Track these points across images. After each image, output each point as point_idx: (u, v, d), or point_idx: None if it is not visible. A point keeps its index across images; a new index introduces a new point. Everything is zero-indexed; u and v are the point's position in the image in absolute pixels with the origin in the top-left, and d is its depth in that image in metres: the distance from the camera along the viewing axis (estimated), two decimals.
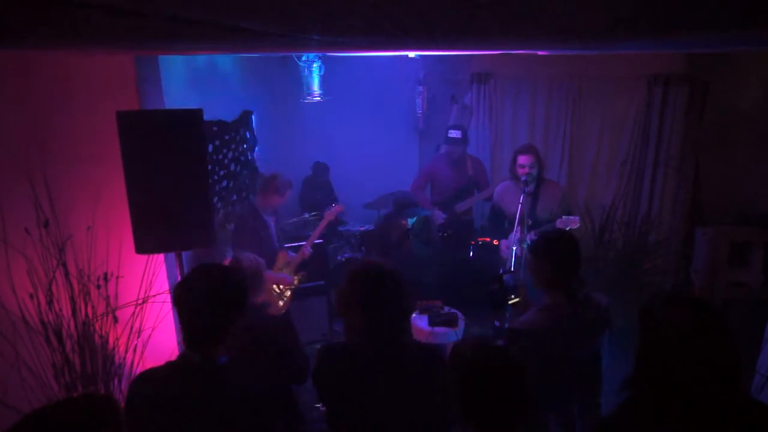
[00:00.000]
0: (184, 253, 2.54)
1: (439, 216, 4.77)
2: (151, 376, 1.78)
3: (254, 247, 3.50)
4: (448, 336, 3.65)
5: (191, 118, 2.38)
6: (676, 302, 1.42)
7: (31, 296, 2.51)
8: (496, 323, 3.58)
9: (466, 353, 1.50)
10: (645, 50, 3.45)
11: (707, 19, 1.36)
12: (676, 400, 1.34)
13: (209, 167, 3.78)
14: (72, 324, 2.65)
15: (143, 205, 2.34)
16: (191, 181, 2.38)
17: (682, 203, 5.10)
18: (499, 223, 3.99)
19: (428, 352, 1.91)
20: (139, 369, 2.86)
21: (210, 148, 4.25)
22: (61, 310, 2.60)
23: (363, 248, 5.14)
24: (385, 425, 1.83)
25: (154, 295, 2.81)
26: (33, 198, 2.50)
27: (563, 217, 3.59)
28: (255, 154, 4.90)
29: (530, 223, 3.66)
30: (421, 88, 5.83)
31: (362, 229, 5.34)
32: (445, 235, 4.79)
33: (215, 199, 4.35)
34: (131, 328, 2.81)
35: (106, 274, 2.73)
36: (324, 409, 1.98)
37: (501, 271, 2.57)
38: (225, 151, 4.56)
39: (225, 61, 4.83)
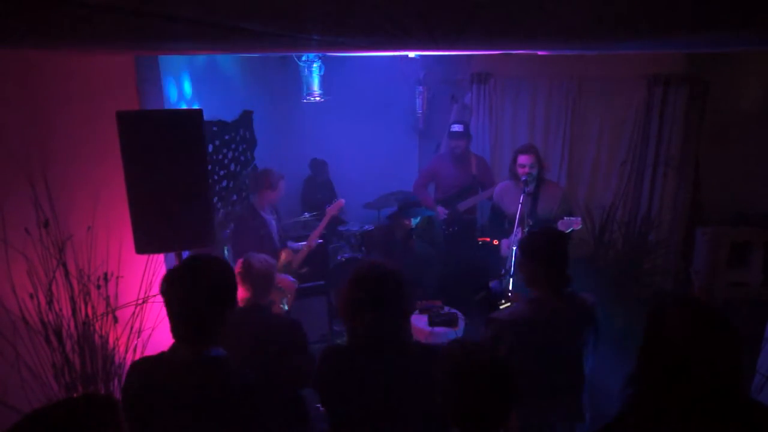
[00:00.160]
0: (184, 253, 2.54)
1: (441, 212, 4.77)
2: (141, 366, 1.79)
3: (254, 247, 3.50)
4: (448, 336, 3.64)
5: (191, 118, 2.38)
6: (681, 304, 1.42)
7: (31, 296, 2.51)
8: None
9: (454, 354, 1.51)
10: (645, 50, 3.45)
11: (707, 19, 1.36)
12: (679, 401, 1.34)
13: (209, 167, 3.78)
14: (72, 324, 2.65)
15: (143, 205, 2.33)
16: (191, 181, 2.38)
17: (682, 203, 5.11)
18: (500, 223, 3.99)
19: (428, 352, 1.91)
20: None
21: (210, 148, 4.26)
22: (61, 310, 2.60)
23: (363, 248, 5.14)
24: (385, 426, 1.83)
25: (154, 295, 2.81)
26: (33, 198, 2.50)
27: (565, 218, 3.58)
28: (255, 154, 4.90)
29: (530, 223, 3.66)
30: (421, 88, 5.84)
31: (362, 229, 5.33)
32: (449, 231, 4.79)
33: (215, 199, 4.35)
34: (131, 328, 2.81)
35: (106, 274, 2.73)
36: (323, 409, 1.98)
37: (492, 280, 2.60)
38: (225, 151, 4.56)
39: (225, 61, 4.83)
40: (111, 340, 2.77)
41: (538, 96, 5.33)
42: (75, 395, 2.61)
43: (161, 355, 1.76)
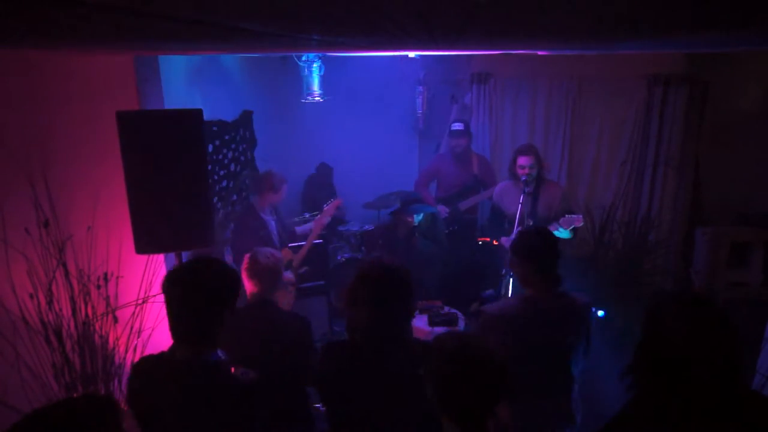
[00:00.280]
0: (184, 253, 2.54)
1: (442, 211, 4.78)
2: (143, 365, 1.79)
3: (253, 247, 3.51)
4: None
5: (191, 118, 2.38)
6: (679, 301, 1.42)
7: (31, 296, 2.51)
8: None
9: (446, 344, 1.52)
10: (645, 50, 3.45)
11: (707, 19, 1.36)
12: (678, 399, 1.34)
13: (209, 167, 3.78)
14: (72, 324, 2.65)
15: (143, 205, 2.33)
16: (191, 181, 2.38)
17: (682, 203, 5.10)
18: (499, 223, 3.99)
19: (429, 350, 1.91)
20: None
21: (210, 148, 4.25)
22: (61, 310, 2.60)
23: (363, 248, 5.13)
24: (386, 425, 1.83)
25: (154, 295, 2.81)
26: (33, 198, 2.50)
27: (566, 215, 3.58)
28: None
29: (531, 223, 3.66)
30: (421, 88, 5.83)
31: (362, 229, 5.33)
32: (449, 230, 4.79)
33: (215, 199, 4.35)
34: (131, 328, 2.82)
35: (106, 274, 2.74)
36: (323, 409, 1.98)
37: (487, 289, 2.61)
38: (225, 151, 4.56)
39: (225, 61, 4.83)
40: (111, 340, 2.77)
41: (538, 96, 5.33)
42: (75, 395, 2.61)
43: (161, 355, 1.77)
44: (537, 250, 2.20)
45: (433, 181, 5.11)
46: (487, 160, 5.02)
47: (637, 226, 4.85)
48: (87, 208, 2.72)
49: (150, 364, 1.77)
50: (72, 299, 2.64)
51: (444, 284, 4.47)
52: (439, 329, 3.67)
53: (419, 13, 1.26)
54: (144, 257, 2.81)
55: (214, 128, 4.35)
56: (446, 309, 3.92)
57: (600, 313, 4.01)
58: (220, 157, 4.48)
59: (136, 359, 2.82)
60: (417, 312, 3.82)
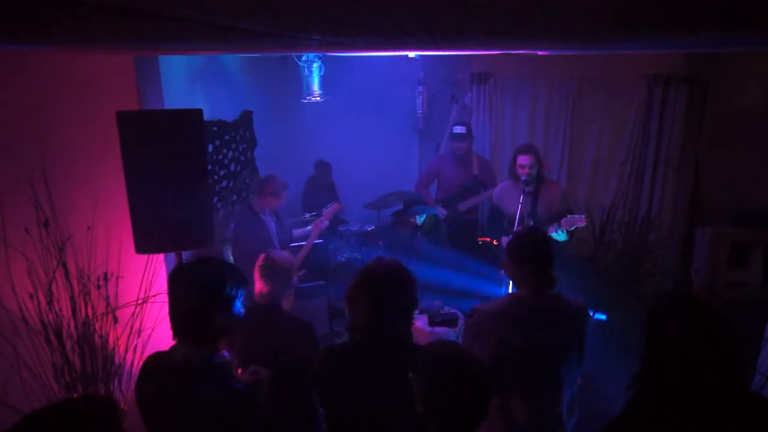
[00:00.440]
0: (184, 253, 2.54)
1: (441, 211, 4.78)
2: (151, 362, 1.79)
3: (254, 249, 3.50)
4: (448, 336, 3.64)
5: (191, 118, 2.38)
6: (681, 303, 1.42)
7: (31, 296, 2.51)
8: None
9: (435, 354, 1.52)
10: (645, 50, 3.45)
11: (707, 19, 1.36)
12: (679, 400, 1.34)
13: (209, 167, 3.78)
14: (72, 324, 2.65)
15: (143, 205, 2.33)
16: (191, 181, 2.38)
17: (682, 203, 5.10)
18: (498, 223, 3.99)
19: None
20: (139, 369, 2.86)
21: (210, 148, 4.26)
22: (61, 310, 2.60)
23: (363, 248, 5.13)
24: (385, 425, 1.82)
25: (154, 295, 2.81)
26: (33, 198, 2.50)
27: (568, 216, 3.58)
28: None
29: (530, 223, 3.66)
30: (421, 88, 5.83)
31: (362, 229, 5.33)
32: (449, 231, 4.80)
33: (215, 199, 4.35)
34: (131, 328, 2.82)
35: (106, 274, 2.74)
36: (322, 410, 1.98)
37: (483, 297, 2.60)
38: (225, 151, 4.56)
39: (225, 61, 4.83)
40: (111, 340, 2.77)
41: (538, 96, 5.33)
42: (75, 395, 2.61)
43: (165, 353, 1.76)
44: (529, 251, 2.19)
45: (434, 182, 5.11)
46: (487, 161, 5.02)
47: (637, 226, 4.85)
48: (87, 208, 2.72)
49: (155, 363, 1.77)
50: (72, 299, 2.64)
51: (444, 285, 4.47)
52: (439, 329, 3.68)
53: (419, 13, 1.26)
54: (144, 257, 2.81)
55: (214, 128, 4.35)
56: (446, 309, 3.92)
57: (602, 316, 4.00)
58: (220, 157, 4.48)
59: (136, 359, 2.83)
60: (417, 312, 3.83)
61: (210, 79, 4.45)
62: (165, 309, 1.72)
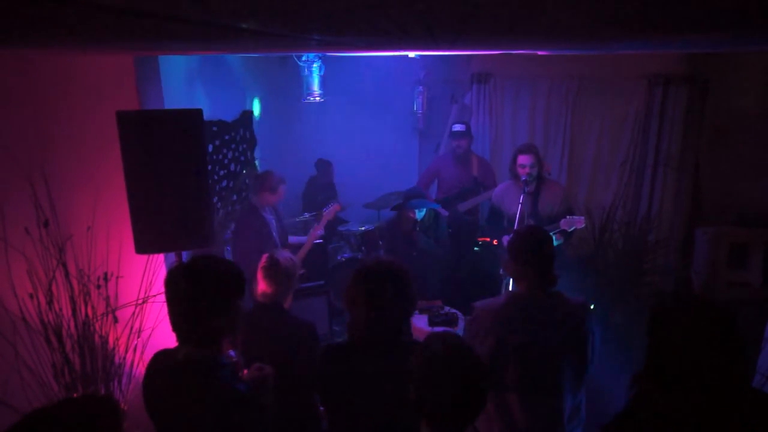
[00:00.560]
0: (184, 253, 2.54)
1: (442, 212, 4.78)
2: (156, 359, 1.78)
3: (255, 246, 3.51)
4: None
5: (191, 118, 2.38)
6: (684, 303, 1.42)
7: (31, 296, 2.51)
8: None
9: (432, 345, 1.52)
10: (645, 50, 3.45)
11: (708, 19, 1.36)
12: (681, 399, 1.34)
13: (209, 167, 3.78)
14: (72, 324, 2.65)
15: (143, 205, 2.33)
16: (191, 181, 2.38)
17: (682, 203, 5.11)
18: (498, 223, 3.99)
19: None
20: (139, 369, 2.86)
21: (210, 148, 4.25)
22: (61, 310, 2.61)
23: (363, 248, 5.13)
24: (385, 425, 1.83)
25: (154, 295, 2.81)
26: (33, 198, 2.50)
27: (567, 217, 3.58)
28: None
29: (531, 222, 3.65)
30: (421, 88, 5.84)
31: (362, 229, 5.33)
32: (448, 232, 4.80)
33: (215, 199, 4.35)
34: (131, 328, 2.82)
35: (106, 274, 2.74)
36: (323, 409, 1.98)
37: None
38: (225, 151, 4.56)
39: (225, 61, 4.83)
40: (111, 340, 2.77)
41: (538, 96, 5.33)
42: (75, 395, 2.61)
43: (171, 351, 1.76)
44: (530, 249, 2.19)
45: (434, 183, 5.12)
46: (487, 162, 5.02)
47: (637, 226, 4.85)
48: (87, 208, 2.72)
49: (160, 361, 1.76)
50: (72, 299, 2.64)
51: (444, 284, 4.48)
52: (439, 329, 3.68)
53: (419, 13, 1.26)
54: (144, 257, 2.81)
55: (214, 128, 4.35)
56: (446, 309, 3.92)
57: (591, 306, 3.99)
58: (220, 157, 4.48)
59: (136, 359, 2.83)
60: (417, 312, 3.83)
61: (210, 79, 4.45)
62: (165, 309, 1.71)
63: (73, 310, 2.65)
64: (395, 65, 5.39)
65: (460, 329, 3.73)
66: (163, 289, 1.71)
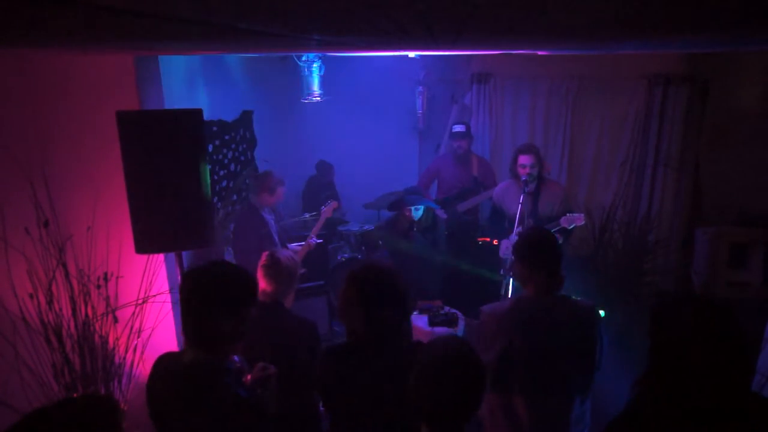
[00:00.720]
0: (184, 253, 2.53)
1: (440, 214, 4.78)
2: (160, 363, 1.78)
3: (255, 246, 3.51)
4: None
5: (191, 118, 2.38)
6: (686, 303, 1.42)
7: (31, 296, 2.51)
8: None
9: (433, 347, 1.52)
10: (645, 50, 3.45)
11: (708, 19, 1.36)
12: (682, 399, 1.34)
13: (209, 167, 3.78)
14: (72, 324, 2.65)
15: (143, 205, 2.33)
16: (191, 181, 2.38)
17: (682, 203, 5.11)
18: (499, 223, 3.99)
19: None
20: (139, 369, 2.86)
21: (210, 148, 4.26)
22: (61, 310, 2.61)
23: (363, 248, 5.14)
24: (386, 425, 1.83)
25: (154, 295, 2.81)
26: (33, 198, 2.50)
27: (567, 214, 3.58)
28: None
29: (531, 222, 3.65)
30: (421, 88, 5.84)
31: (362, 229, 5.34)
32: (448, 232, 4.80)
33: (215, 199, 4.35)
34: (131, 328, 2.81)
35: (106, 274, 2.74)
36: (324, 409, 1.98)
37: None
38: (225, 151, 4.56)
39: (225, 61, 4.83)
40: (111, 340, 2.77)
41: (538, 96, 5.33)
42: (75, 395, 2.61)
43: (176, 355, 1.76)
44: (537, 251, 2.17)
45: (434, 183, 5.12)
46: (487, 162, 5.02)
47: (637, 226, 4.85)
48: (87, 208, 2.72)
49: (164, 364, 1.76)
50: (72, 299, 2.64)
51: (445, 284, 4.47)
52: (439, 329, 3.68)
53: (419, 13, 1.26)
54: (144, 257, 2.81)
55: (214, 128, 4.36)
56: (446, 309, 3.91)
57: (600, 312, 4.00)
58: (220, 157, 4.48)
59: (136, 359, 2.83)
60: (417, 312, 3.83)
61: (210, 79, 4.46)
62: (165, 309, 1.72)
63: (73, 310, 2.65)
64: (395, 65, 5.39)
65: (460, 329, 3.74)
66: (163, 289, 1.71)
